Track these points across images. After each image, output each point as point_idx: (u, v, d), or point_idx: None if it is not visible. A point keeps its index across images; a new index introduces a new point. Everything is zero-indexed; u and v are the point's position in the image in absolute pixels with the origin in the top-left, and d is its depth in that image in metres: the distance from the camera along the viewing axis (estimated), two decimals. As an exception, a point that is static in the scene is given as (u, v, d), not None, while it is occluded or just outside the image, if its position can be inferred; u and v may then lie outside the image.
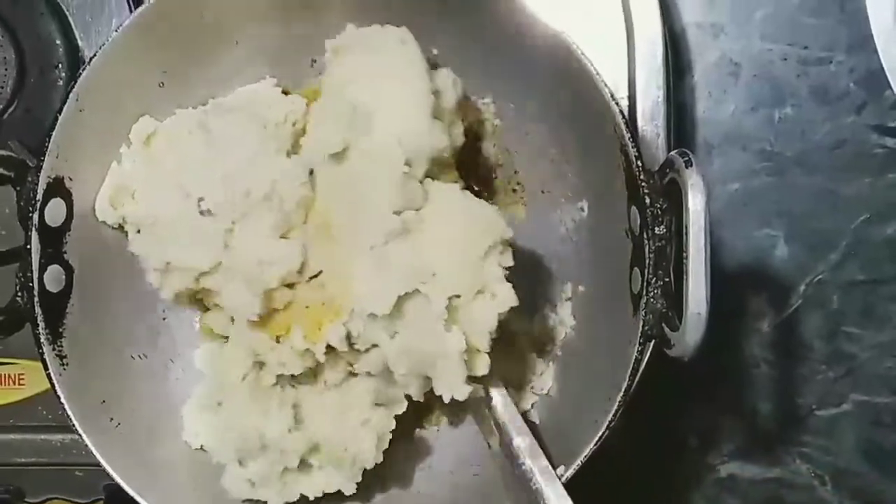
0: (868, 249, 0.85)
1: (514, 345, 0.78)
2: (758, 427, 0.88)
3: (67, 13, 0.85)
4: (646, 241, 0.64)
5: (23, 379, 0.87)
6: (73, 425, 0.70)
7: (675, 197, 0.62)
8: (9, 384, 0.87)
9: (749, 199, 0.86)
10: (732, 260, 0.86)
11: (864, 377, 0.86)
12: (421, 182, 0.69)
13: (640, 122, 0.78)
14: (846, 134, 0.85)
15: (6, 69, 0.84)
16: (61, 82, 0.84)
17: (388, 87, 0.70)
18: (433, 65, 0.73)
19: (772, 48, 0.85)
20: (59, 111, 0.69)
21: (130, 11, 0.82)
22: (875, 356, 0.86)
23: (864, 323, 0.86)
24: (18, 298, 0.69)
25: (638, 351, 0.65)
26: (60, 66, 0.85)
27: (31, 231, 0.69)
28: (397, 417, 0.74)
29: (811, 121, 0.85)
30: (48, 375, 0.70)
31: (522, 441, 0.69)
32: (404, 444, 0.77)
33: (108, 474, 0.71)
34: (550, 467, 0.68)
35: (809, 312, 0.86)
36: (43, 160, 0.69)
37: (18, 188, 0.69)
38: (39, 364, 0.70)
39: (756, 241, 0.86)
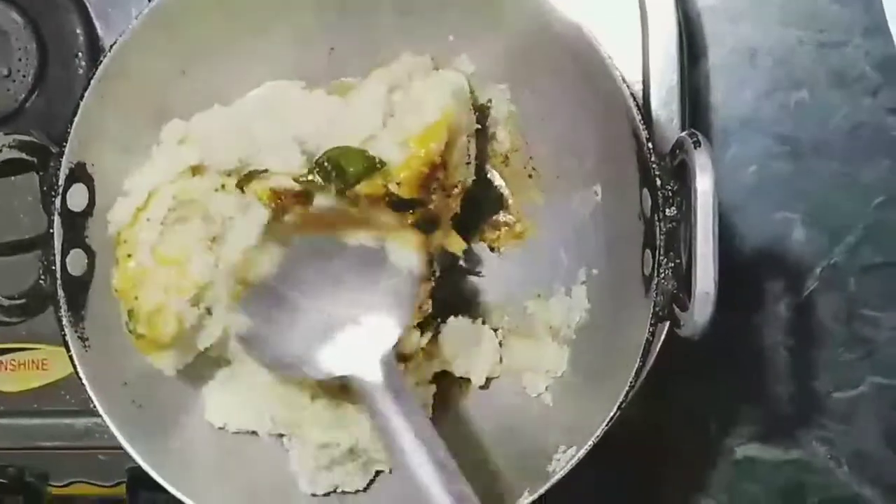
0: (885, 232, 0.85)
1: (532, 328, 0.79)
2: (775, 410, 0.88)
3: (87, 3, 0.86)
4: (657, 224, 0.65)
5: (46, 364, 0.88)
6: (95, 407, 0.71)
7: (685, 178, 0.62)
8: (33, 369, 0.88)
9: (766, 183, 0.86)
10: (749, 244, 0.86)
11: (882, 360, 0.86)
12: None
13: (654, 107, 0.77)
14: (863, 118, 0.85)
15: (27, 59, 0.85)
16: (82, 72, 0.85)
17: None
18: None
19: (787, 32, 0.85)
20: (81, 98, 0.70)
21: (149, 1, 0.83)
22: (893, 339, 0.86)
23: (882, 305, 0.86)
24: (41, 281, 0.71)
25: (649, 332, 0.65)
26: (81, 55, 0.85)
27: (54, 215, 0.70)
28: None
29: (828, 105, 0.85)
30: (70, 357, 0.71)
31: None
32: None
33: (131, 457, 0.72)
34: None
35: (827, 295, 0.86)
36: (65, 146, 0.70)
37: (41, 173, 0.71)
38: (62, 349, 0.71)
39: (773, 225, 0.86)
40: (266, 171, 0.72)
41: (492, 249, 0.81)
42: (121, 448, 0.72)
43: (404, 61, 0.75)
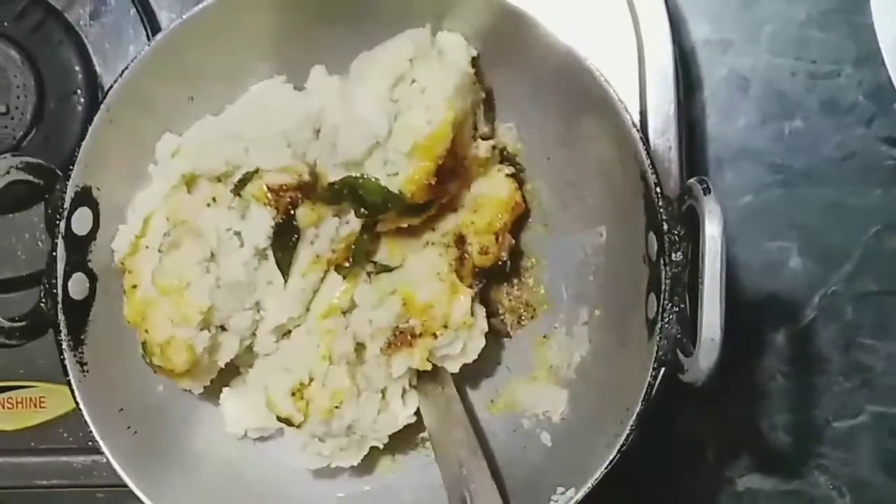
0: (881, 260, 0.86)
1: (532, 367, 0.79)
2: (775, 440, 0.88)
3: (86, 40, 0.87)
4: (662, 268, 0.65)
5: (44, 402, 0.87)
6: (92, 433, 0.70)
7: (692, 224, 0.62)
8: (30, 407, 0.88)
9: (761, 212, 0.87)
10: (746, 273, 0.86)
11: (880, 388, 0.86)
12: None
13: (651, 138, 0.78)
14: (856, 146, 0.86)
15: (26, 96, 0.85)
16: (80, 108, 0.85)
17: None
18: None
19: (780, 63, 0.86)
20: (90, 122, 0.70)
21: (148, 38, 0.84)
22: (890, 367, 0.86)
23: (879, 334, 0.86)
24: (42, 304, 0.70)
25: (652, 377, 0.65)
26: (79, 92, 0.86)
27: (58, 239, 0.70)
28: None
29: (821, 134, 0.86)
30: (68, 382, 0.71)
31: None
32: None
33: (129, 495, 0.71)
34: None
35: (824, 324, 0.86)
36: (72, 169, 0.70)
37: (47, 196, 0.71)
38: (60, 387, 0.71)
39: (769, 254, 0.87)
40: (256, 171, 0.72)
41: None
42: (119, 486, 0.71)
43: (402, 41, 0.73)
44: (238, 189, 0.72)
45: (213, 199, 0.73)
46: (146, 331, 0.72)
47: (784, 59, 0.86)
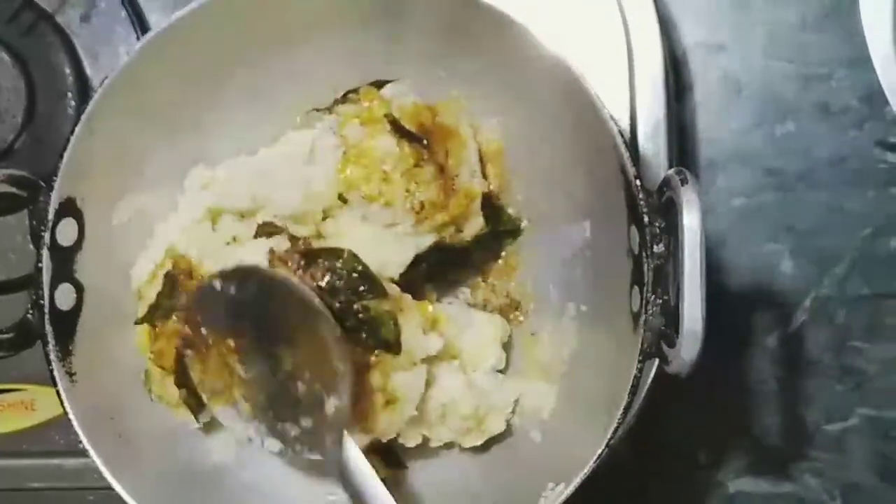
0: (873, 264, 0.86)
1: (521, 365, 0.79)
2: (766, 443, 0.88)
3: (76, 43, 0.87)
4: (645, 260, 0.65)
5: (34, 404, 0.88)
6: (82, 441, 0.70)
7: (672, 215, 0.62)
8: (21, 410, 0.88)
9: (753, 215, 0.86)
10: (738, 276, 0.86)
11: (872, 391, 0.86)
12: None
13: (641, 142, 0.78)
14: (848, 149, 0.86)
15: (16, 98, 0.86)
16: (71, 111, 0.86)
17: None
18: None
19: (773, 66, 0.86)
20: (71, 133, 0.70)
21: (138, 40, 0.84)
22: (882, 370, 0.86)
23: (871, 337, 0.86)
24: (30, 316, 0.70)
25: (637, 369, 0.65)
26: (70, 94, 0.86)
27: (43, 250, 0.70)
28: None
29: (813, 137, 0.86)
30: (57, 392, 0.71)
31: None
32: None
33: (119, 498, 0.71)
34: None
35: (816, 327, 0.86)
36: (55, 181, 0.70)
37: (31, 207, 0.71)
38: (51, 389, 0.71)
39: (761, 257, 0.86)
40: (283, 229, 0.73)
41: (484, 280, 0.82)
42: (110, 488, 0.71)
43: None
44: (258, 234, 0.73)
45: (234, 239, 0.74)
46: (149, 358, 0.73)
47: (777, 61, 0.86)
